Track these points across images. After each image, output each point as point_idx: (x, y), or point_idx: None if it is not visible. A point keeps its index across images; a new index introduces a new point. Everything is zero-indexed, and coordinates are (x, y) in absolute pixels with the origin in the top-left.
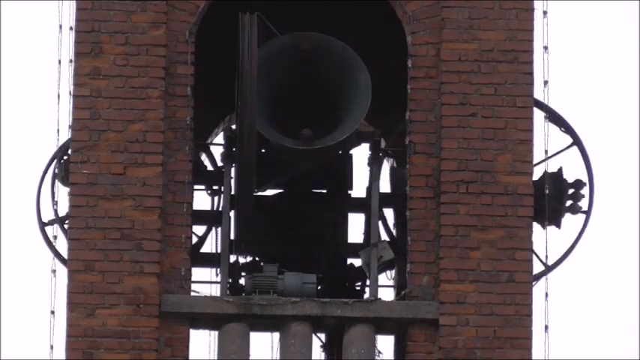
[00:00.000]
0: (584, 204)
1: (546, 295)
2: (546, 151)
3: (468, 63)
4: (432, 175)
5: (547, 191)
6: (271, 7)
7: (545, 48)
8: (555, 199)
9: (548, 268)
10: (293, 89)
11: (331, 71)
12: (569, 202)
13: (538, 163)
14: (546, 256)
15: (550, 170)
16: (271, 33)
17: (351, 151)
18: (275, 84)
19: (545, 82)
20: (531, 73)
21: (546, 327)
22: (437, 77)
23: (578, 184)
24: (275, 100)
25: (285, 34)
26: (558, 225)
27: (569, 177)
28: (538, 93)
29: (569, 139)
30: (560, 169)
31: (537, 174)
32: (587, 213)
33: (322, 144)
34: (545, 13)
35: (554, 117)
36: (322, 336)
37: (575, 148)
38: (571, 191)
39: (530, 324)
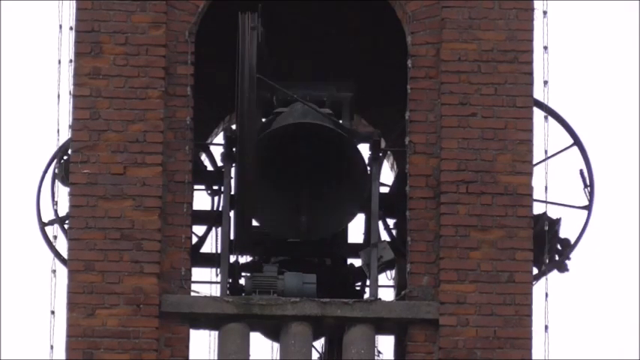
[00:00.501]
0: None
1: (546, 295)
2: (546, 151)
3: (468, 63)
4: (432, 175)
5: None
6: (271, 7)
7: (545, 48)
8: (541, 249)
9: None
10: (291, 169)
11: (329, 155)
12: (556, 257)
13: (537, 163)
14: (546, 256)
15: (550, 215)
16: (271, 45)
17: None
18: (272, 164)
19: (545, 82)
20: (531, 73)
21: (546, 327)
22: (437, 77)
23: (566, 243)
24: (272, 179)
25: (283, 35)
26: (542, 272)
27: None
28: (538, 93)
29: (569, 139)
30: (559, 220)
31: (537, 209)
32: (589, 211)
33: (319, 235)
34: (545, 13)
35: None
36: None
37: (575, 149)
38: (558, 246)
39: (530, 324)
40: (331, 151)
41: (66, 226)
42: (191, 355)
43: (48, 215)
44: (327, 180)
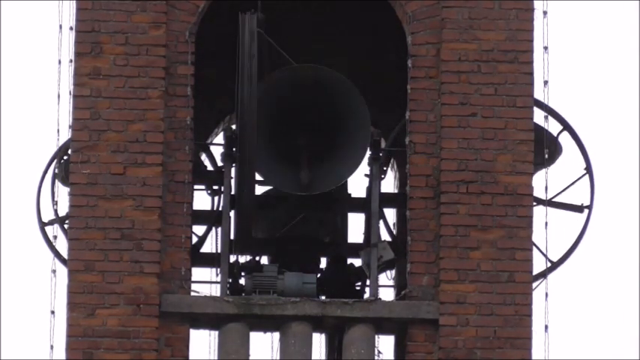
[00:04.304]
0: (585, 201)
1: (546, 295)
2: (546, 151)
3: (468, 63)
4: (432, 175)
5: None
6: (271, 7)
7: (545, 48)
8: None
9: (553, 265)
10: (292, 120)
11: (331, 104)
12: None
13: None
14: (546, 255)
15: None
16: (271, 45)
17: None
18: (274, 115)
19: (545, 82)
20: (531, 73)
21: (546, 327)
22: (437, 77)
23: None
24: (274, 130)
25: (284, 35)
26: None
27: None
28: (538, 93)
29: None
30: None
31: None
32: (589, 210)
33: (320, 189)
34: (545, 13)
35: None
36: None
37: (571, 142)
38: None
39: (530, 324)
40: (333, 101)
41: (66, 226)
42: (191, 355)
43: (48, 215)
44: (329, 131)
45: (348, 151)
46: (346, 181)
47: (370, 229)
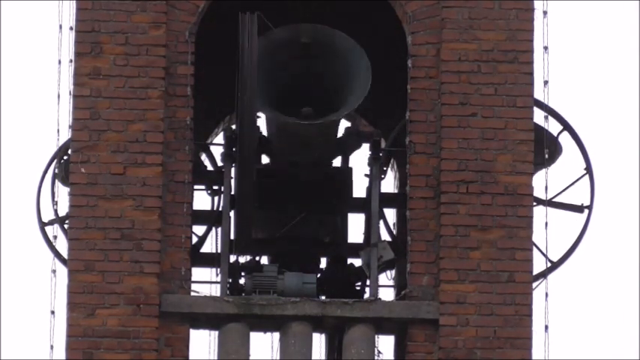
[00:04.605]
0: (585, 201)
1: (546, 295)
2: (546, 151)
3: (468, 63)
4: (432, 175)
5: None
6: (271, 6)
7: (545, 48)
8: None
9: (553, 265)
10: (293, 79)
11: (332, 61)
12: None
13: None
14: (546, 255)
15: None
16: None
17: (350, 157)
18: (275, 75)
19: (545, 82)
20: (531, 73)
21: (546, 327)
22: (437, 77)
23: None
24: (275, 90)
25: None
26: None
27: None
28: (538, 93)
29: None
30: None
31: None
32: (589, 210)
33: (323, 120)
34: (545, 13)
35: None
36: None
37: (571, 142)
38: None
39: (530, 324)
40: (333, 56)
41: (66, 226)
42: (191, 355)
43: (48, 215)
44: (329, 80)
45: (348, 91)
46: (348, 182)
47: (370, 229)
